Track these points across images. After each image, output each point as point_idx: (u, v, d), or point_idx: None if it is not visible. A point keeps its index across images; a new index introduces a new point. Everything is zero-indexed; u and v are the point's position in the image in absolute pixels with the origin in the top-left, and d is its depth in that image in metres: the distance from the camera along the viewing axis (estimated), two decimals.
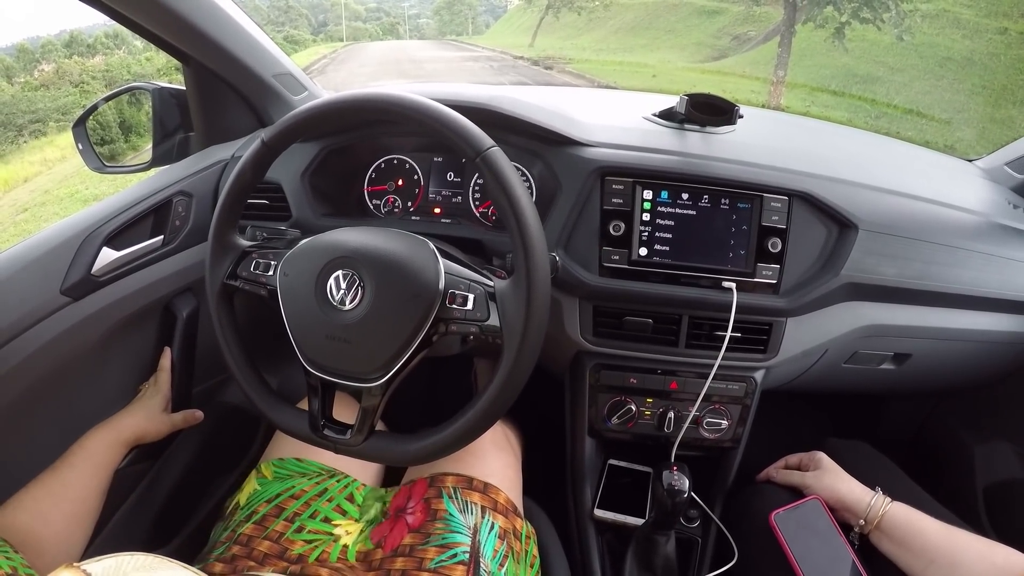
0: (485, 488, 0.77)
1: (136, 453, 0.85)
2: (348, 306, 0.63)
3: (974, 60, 8.86)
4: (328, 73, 20.32)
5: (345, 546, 0.73)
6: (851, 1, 9.25)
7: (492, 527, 0.73)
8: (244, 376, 0.73)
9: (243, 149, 1.02)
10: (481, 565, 0.68)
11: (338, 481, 0.80)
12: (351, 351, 0.63)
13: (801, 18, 10.28)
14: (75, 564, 0.36)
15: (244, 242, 0.74)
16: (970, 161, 1.21)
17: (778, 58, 10.23)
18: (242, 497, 0.79)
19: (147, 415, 0.84)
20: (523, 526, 0.79)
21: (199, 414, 0.92)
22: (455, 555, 0.68)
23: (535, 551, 0.80)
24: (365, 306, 0.63)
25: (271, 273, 0.70)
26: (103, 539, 0.84)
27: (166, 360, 0.93)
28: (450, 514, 0.73)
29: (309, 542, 0.72)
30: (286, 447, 0.83)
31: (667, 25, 19.49)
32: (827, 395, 1.18)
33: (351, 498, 0.79)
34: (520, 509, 0.82)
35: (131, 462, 0.89)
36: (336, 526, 0.75)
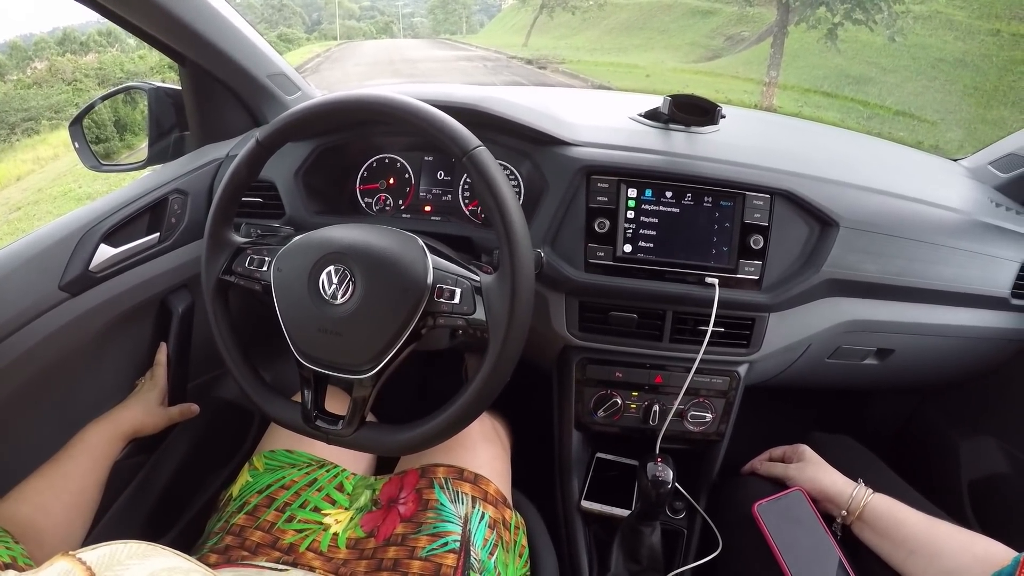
0: (475, 479, 0.79)
1: (132, 446, 0.86)
2: (340, 300, 0.65)
3: (966, 61, 8.89)
4: (322, 71, 20.25)
5: (335, 534, 0.74)
6: (844, 2, 9.28)
7: (482, 517, 0.75)
8: (239, 369, 0.74)
9: (238, 148, 1.04)
10: (471, 554, 0.70)
11: (328, 471, 0.81)
12: (342, 343, 0.65)
13: (794, 19, 10.30)
14: (70, 552, 0.36)
15: (239, 239, 0.76)
16: (955, 160, 1.22)
17: (771, 59, 10.27)
18: (235, 489, 0.80)
19: (145, 409, 0.85)
20: (512, 517, 0.80)
21: (195, 408, 0.93)
22: (446, 544, 0.69)
23: (524, 541, 0.82)
24: (356, 300, 0.64)
25: (265, 269, 0.71)
26: (99, 531, 0.84)
27: (162, 355, 0.94)
28: (441, 504, 0.74)
29: (300, 531, 0.74)
30: (278, 439, 0.85)
31: (661, 25, 19.48)
32: (812, 391, 1.18)
33: (340, 488, 0.81)
34: (509, 500, 0.83)
35: (127, 455, 0.90)
36: (326, 515, 0.76)
